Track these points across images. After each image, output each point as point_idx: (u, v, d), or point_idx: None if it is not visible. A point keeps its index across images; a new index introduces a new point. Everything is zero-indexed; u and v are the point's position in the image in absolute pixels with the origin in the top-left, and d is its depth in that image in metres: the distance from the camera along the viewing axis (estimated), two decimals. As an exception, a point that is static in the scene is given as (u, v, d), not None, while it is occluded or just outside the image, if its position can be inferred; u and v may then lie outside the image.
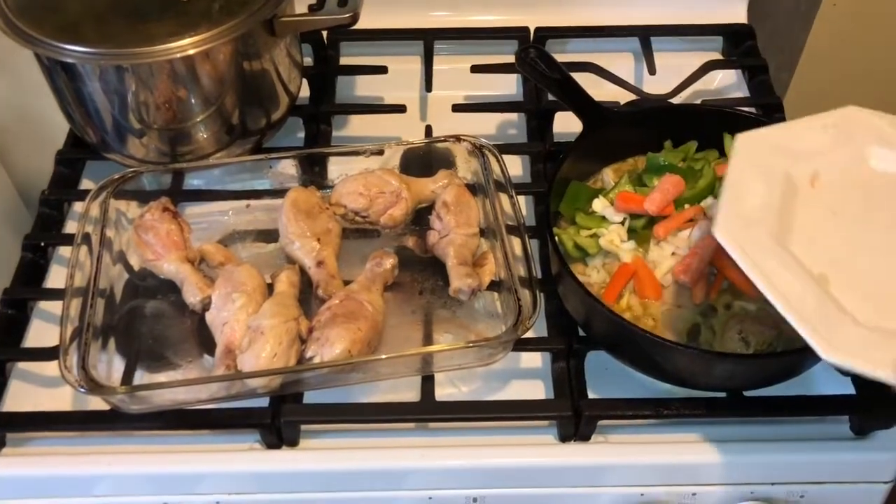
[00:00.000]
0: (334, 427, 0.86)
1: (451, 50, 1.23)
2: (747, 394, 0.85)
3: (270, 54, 1.01)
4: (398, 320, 0.90)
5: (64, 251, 1.01)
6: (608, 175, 0.99)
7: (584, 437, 0.84)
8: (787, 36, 1.40)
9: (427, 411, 0.85)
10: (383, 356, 0.84)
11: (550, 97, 1.08)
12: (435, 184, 0.99)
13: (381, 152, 1.00)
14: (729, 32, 1.25)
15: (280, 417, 0.83)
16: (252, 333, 0.82)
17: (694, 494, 0.85)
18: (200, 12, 0.94)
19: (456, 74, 1.18)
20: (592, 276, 0.91)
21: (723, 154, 0.98)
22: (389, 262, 0.92)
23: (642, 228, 0.92)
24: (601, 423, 0.84)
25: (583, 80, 1.04)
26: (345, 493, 0.85)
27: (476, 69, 1.17)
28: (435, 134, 1.11)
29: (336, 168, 1.01)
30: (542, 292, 0.86)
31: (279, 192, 0.97)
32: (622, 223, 0.92)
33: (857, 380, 0.87)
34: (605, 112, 1.00)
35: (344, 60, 1.22)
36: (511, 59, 1.08)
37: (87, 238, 0.90)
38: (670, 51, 1.21)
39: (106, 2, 0.96)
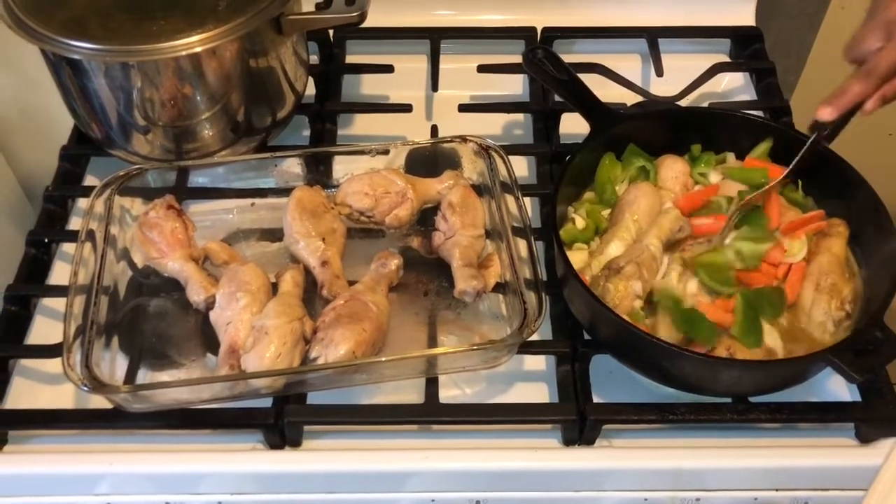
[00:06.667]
0: (337, 428, 0.86)
1: (457, 49, 1.22)
2: (753, 400, 0.84)
3: (277, 52, 1.01)
4: (402, 321, 0.89)
5: (68, 248, 1.00)
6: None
7: (589, 441, 0.84)
8: (794, 38, 1.39)
9: (430, 413, 0.84)
10: (387, 358, 0.84)
11: (557, 98, 1.08)
12: (441, 184, 0.98)
13: (386, 152, 0.99)
14: (737, 35, 1.24)
15: (283, 418, 0.82)
16: (256, 333, 0.82)
17: (698, 500, 0.85)
18: (207, 9, 0.93)
19: (462, 74, 1.18)
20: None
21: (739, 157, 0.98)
22: (394, 262, 0.91)
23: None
24: (606, 427, 0.84)
25: (590, 81, 1.03)
26: (347, 494, 0.85)
27: (483, 69, 1.17)
28: (441, 134, 1.11)
29: (341, 167, 1.00)
30: (547, 295, 0.85)
31: (284, 191, 0.97)
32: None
33: (863, 387, 0.87)
34: (612, 114, 0.99)
35: (350, 59, 1.22)
36: (518, 59, 1.07)
37: (91, 235, 0.89)
38: (678, 52, 1.21)
39: (112, -2, 0.96)
